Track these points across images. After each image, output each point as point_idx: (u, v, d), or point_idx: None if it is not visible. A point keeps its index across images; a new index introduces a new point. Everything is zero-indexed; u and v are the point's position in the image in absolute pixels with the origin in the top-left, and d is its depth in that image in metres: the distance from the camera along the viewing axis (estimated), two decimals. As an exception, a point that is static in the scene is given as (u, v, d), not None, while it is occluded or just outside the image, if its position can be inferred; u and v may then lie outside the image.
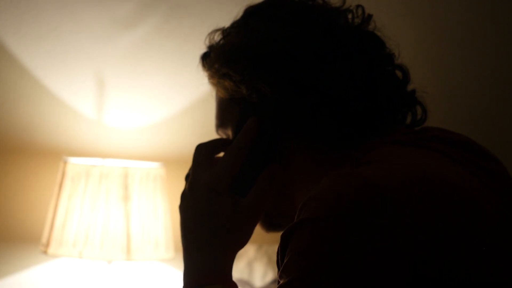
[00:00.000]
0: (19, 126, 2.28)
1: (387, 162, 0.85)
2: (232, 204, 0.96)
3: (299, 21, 0.96)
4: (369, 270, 0.75)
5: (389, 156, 0.87)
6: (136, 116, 2.37)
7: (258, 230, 1.01)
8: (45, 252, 2.04)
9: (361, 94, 0.93)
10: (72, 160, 2.08)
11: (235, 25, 1.00)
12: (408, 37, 2.38)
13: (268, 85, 0.94)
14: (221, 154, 1.01)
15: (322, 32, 0.95)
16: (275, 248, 2.17)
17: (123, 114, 2.36)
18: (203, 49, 1.03)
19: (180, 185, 1.95)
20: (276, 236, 0.87)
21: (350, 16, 0.99)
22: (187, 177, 1.03)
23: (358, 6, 0.99)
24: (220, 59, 0.98)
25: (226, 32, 1.00)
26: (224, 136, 1.04)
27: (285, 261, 0.79)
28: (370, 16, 0.99)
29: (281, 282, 0.78)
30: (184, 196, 1.00)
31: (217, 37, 1.01)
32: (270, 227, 1.03)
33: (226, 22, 1.02)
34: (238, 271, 2.16)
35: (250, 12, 1.00)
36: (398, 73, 0.98)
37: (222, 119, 1.02)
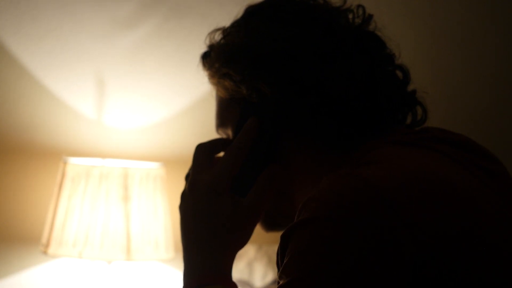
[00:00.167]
0: (19, 126, 2.28)
1: (387, 162, 0.85)
2: (232, 204, 0.96)
3: (300, 21, 0.96)
4: (369, 270, 0.75)
5: (389, 156, 0.87)
6: (136, 116, 2.37)
7: (258, 230, 1.01)
8: (45, 252, 2.04)
9: (361, 94, 0.93)
10: (72, 160, 2.08)
11: (236, 24, 1.00)
12: (408, 37, 2.38)
13: (268, 85, 0.94)
14: (221, 154, 1.01)
15: (323, 32, 0.95)
16: (275, 248, 2.17)
17: (123, 114, 2.36)
18: (203, 49, 1.03)
19: (180, 185, 1.95)
20: (276, 236, 0.87)
21: (350, 16, 0.99)
22: (187, 177, 1.03)
23: (358, 6, 0.99)
24: (220, 59, 0.98)
25: (226, 32, 1.00)
26: (224, 136, 1.04)
27: (285, 262, 0.79)
28: (370, 16, 0.99)
29: (281, 282, 0.78)
30: (184, 196, 1.00)
31: (218, 36, 1.01)
32: (270, 227, 1.03)
33: (226, 22, 1.02)
34: (238, 271, 2.16)
35: (250, 11, 1.00)
36: (399, 73, 0.98)
37: (222, 119, 1.02)
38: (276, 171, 0.97)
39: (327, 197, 0.79)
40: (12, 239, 2.27)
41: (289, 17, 0.96)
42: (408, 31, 2.40)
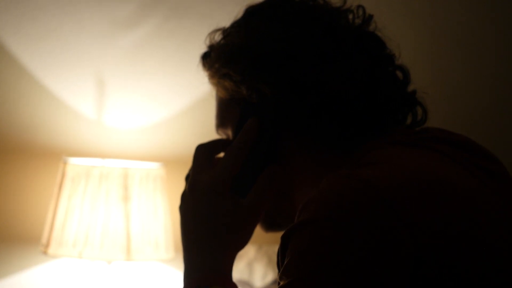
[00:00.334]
0: (19, 127, 2.28)
1: (387, 163, 0.85)
2: (232, 205, 0.96)
3: (300, 21, 0.96)
4: (369, 271, 0.75)
5: (389, 156, 0.87)
6: (136, 116, 2.37)
7: (258, 230, 1.01)
8: (45, 253, 2.04)
9: (361, 94, 0.93)
10: (72, 160, 2.08)
11: (236, 25, 1.00)
12: (408, 37, 2.38)
13: (268, 85, 0.94)
14: (221, 155, 1.01)
15: (323, 32, 0.95)
16: (275, 248, 2.17)
17: (123, 114, 2.36)
18: (203, 49, 1.03)
19: (180, 186, 1.96)
20: (276, 236, 0.87)
21: (350, 16, 0.98)
22: (187, 178, 1.03)
23: (358, 6, 0.99)
24: (220, 59, 0.98)
25: (226, 32, 1.00)
26: (224, 136, 1.04)
27: (285, 262, 0.79)
28: (370, 16, 0.99)
29: (281, 283, 0.78)
30: (184, 197, 0.99)
31: (218, 37, 1.01)
32: (269, 227, 1.03)
33: (226, 23, 1.02)
34: (238, 271, 2.16)
35: (250, 12, 1.00)
36: (399, 74, 0.98)
37: (222, 119, 1.02)
38: (276, 171, 0.97)
39: (327, 198, 0.79)
40: (12, 239, 2.27)
41: (289, 17, 0.96)
42: (408, 31, 2.40)
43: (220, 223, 0.96)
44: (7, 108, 2.27)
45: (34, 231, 2.25)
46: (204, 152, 1.01)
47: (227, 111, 1.01)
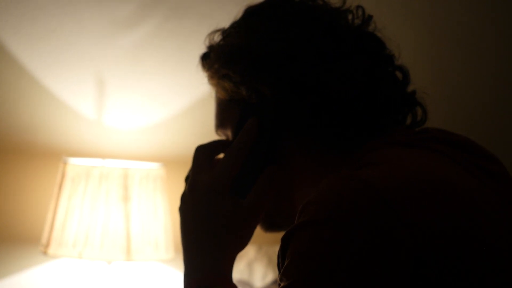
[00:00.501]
0: (19, 127, 2.28)
1: (386, 163, 0.85)
2: (232, 205, 0.96)
3: (299, 21, 0.96)
4: (369, 271, 0.75)
5: (389, 157, 0.87)
6: (136, 116, 2.37)
7: (258, 230, 1.01)
8: (45, 253, 2.04)
9: (361, 94, 0.93)
10: (72, 160, 2.08)
11: (235, 25, 1.00)
12: (408, 38, 2.38)
13: (268, 85, 0.94)
14: (221, 155, 1.01)
15: (322, 33, 0.95)
16: (275, 249, 2.17)
17: (123, 115, 2.36)
18: (203, 49, 1.03)
19: (180, 186, 1.96)
20: (277, 237, 0.87)
21: (350, 16, 0.98)
22: (187, 179, 1.03)
23: (358, 6, 0.99)
24: (220, 60, 0.98)
25: (226, 33, 1.00)
26: (224, 137, 1.04)
27: (285, 264, 0.79)
28: (370, 17, 0.99)
29: (281, 284, 0.78)
30: (184, 198, 0.99)
31: (217, 37, 1.01)
32: (269, 227, 1.03)
33: (226, 23, 1.01)
34: (238, 272, 2.16)
35: (250, 12, 1.00)
36: (399, 74, 0.98)
37: (222, 120, 1.02)
38: (276, 171, 0.97)
39: (327, 199, 0.79)
40: (12, 239, 2.27)
41: (288, 18, 0.96)
42: (408, 32, 2.40)
43: (220, 223, 0.96)
44: (7, 108, 2.27)
45: (34, 231, 2.25)
46: (204, 153, 1.00)
47: (226, 112, 1.01)
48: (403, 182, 0.79)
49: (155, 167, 2.10)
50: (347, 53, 0.94)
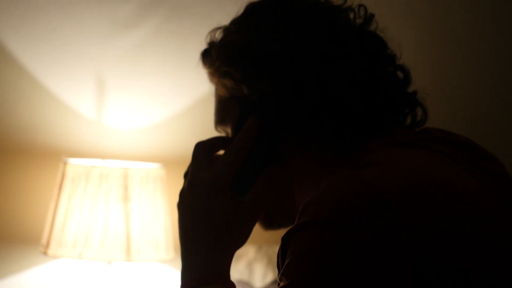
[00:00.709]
0: (19, 127, 2.28)
1: (387, 163, 0.84)
2: (231, 202, 0.95)
3: (300, 20, 0.96)
4: (369, 272, 0.75)
5: (389, 157, 0.87)
6: (136, 116, 2.36)
7: (258, 230, 1.01)
8: (45, 253, 2.04)
9: (362, 94, 0.93)
10: (72, 161, 2.08)
11: (236, 22, 0.99)
12: (408, 38, 2.38)
13: (269, 85, 0.94)
14: (221, 152, 1.00)
15: (323, 32, 0.94)
16: (275, 249, 2.17)
17: (123, 115, 2.36)
18: (203, 49, 1.02)
19: (180, 186, 1.95)
20: (277, 236, 0.87)
21: (351, 15, 0.98)
22: (186, 175, 1.02)
23: (360, 6, 0.99)
24: (221, 58, 0.97)
25: (227, 30, 1.00)
26: (223, 133, 1.03)
27: (285, 263, 0.79)
28: (372, 15, 0.98)
29: (281, 284, 0.78)
30: (183, 194, 0.98)
31: (218, 35, 1.00)
32: (268, 225, 1.03)
33: (226, 23, 1.01)
34: (238, 272, 2.15)
35: (251, 9, 1.00)
36: (399, 74, 0.98)
37: (222, 117, 1.02)
38: (276, 171, 0.96)
39: (327, 199, 0.79)
40: (12, 239, 2.27)
41: (290, 17, 0.96)
42: (409, 32, 2.40)
43: (220, 220, 0.95)
44: (7, 108, 2.27)
45: (34, 231, 2.25)
46: (203, 149, 1.00)
47: (227, 109, 1.00)
48: (403, 182, 0.79)
49: (155, 168, 2.10)
50: (347, 53, 0.94)
